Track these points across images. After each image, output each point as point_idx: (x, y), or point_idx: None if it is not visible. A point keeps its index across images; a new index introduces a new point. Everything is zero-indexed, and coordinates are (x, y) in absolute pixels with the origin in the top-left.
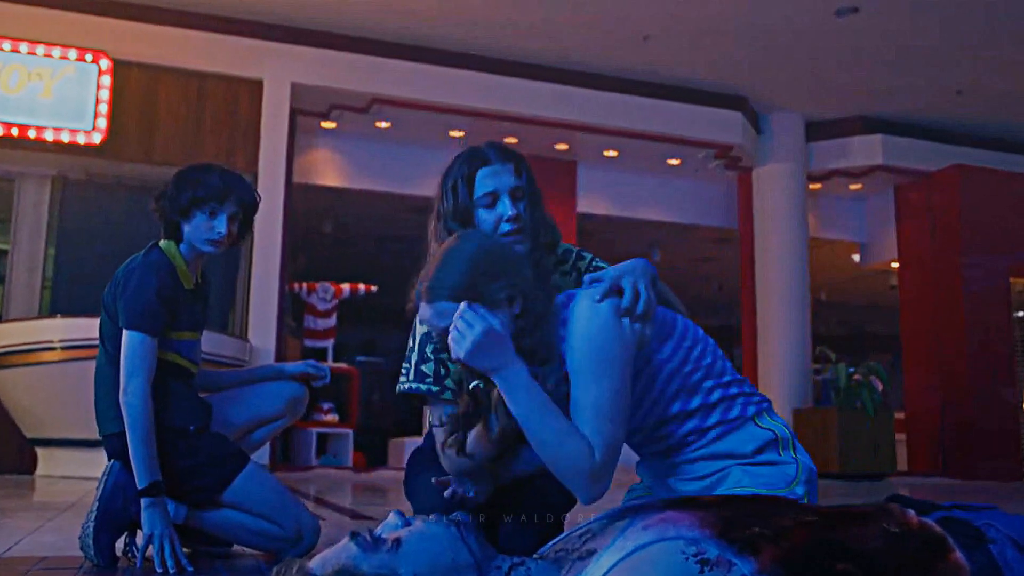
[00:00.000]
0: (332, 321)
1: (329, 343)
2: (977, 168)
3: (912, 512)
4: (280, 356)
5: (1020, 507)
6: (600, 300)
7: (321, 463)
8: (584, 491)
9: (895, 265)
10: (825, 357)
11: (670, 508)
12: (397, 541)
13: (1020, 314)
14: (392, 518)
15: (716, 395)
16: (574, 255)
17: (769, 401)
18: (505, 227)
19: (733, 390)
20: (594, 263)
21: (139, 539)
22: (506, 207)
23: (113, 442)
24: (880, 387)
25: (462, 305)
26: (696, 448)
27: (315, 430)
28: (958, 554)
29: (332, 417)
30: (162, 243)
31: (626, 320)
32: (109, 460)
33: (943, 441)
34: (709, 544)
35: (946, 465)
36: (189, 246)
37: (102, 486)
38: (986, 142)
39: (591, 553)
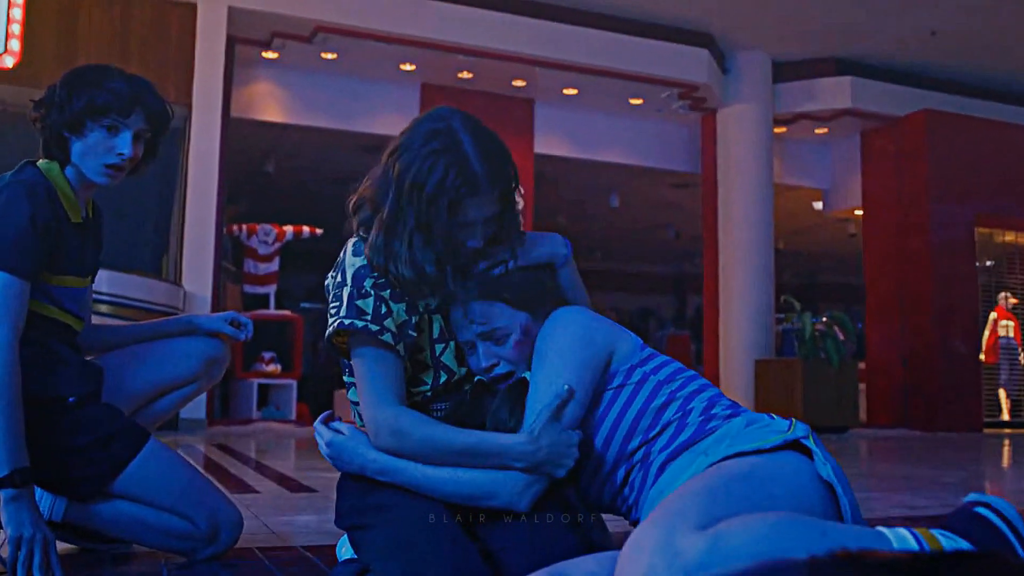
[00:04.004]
0: (274, 266)
1: (271, 289)
2: (946, 114)
3: None
4: (217, 303)
5: (983, 458)
6: None
7: (263, 416)
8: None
9: (858, 213)
10: (789, 306)
11: None
12: None
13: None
14: None
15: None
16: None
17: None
18: (468, 251)
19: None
20: None
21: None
22: (475, 237)
23: None
24: (842, 337)
25: (316, 425)
26: (677, 450)
27: (256, 381)
28: None
29: (274, 367)
30: (41, 162)
31: (595, 327)
32: None
33: (907, 393)
34: None
35: (908, 417)
36: (77, 172)
37: None
38: (957, 87)
39: None
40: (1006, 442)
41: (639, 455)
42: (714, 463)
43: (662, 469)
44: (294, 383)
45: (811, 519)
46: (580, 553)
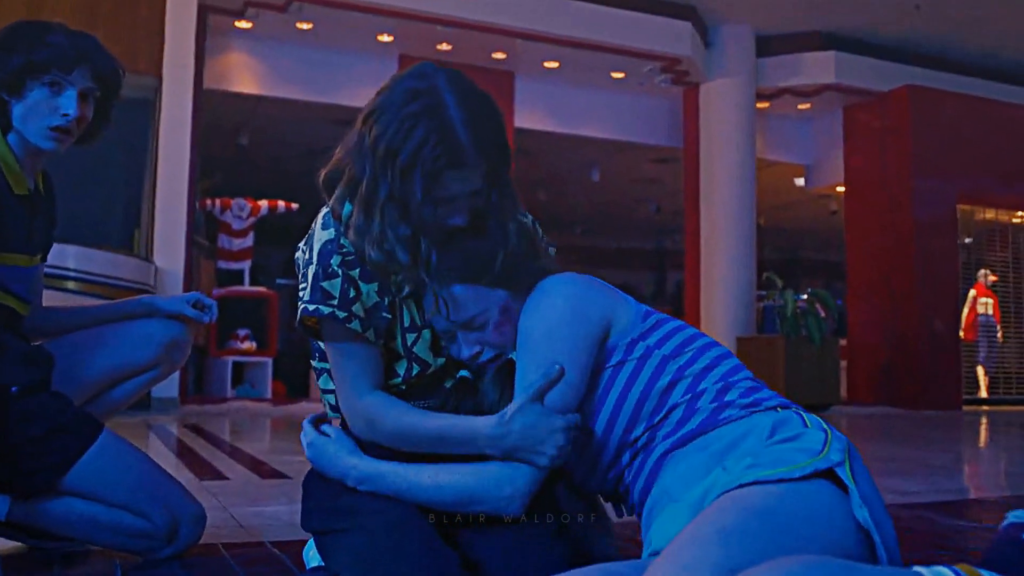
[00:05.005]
0: (248, 241)
1: (245, 265)
2: (930, 89)
3: None
4: (190, 279)
5: (965, 438)
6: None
7: (237, 394)
8: (504, 505)
9: (840, 189)
10: (771, 283)
11: None
12: None
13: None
14: None
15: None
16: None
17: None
18: (450, 228)
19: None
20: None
21: None
22: (460, 216)
23: None
24: (823, 315)
25: (304, 423)
26: (680, 440)
27: (231, 358)
28: None
29: (249, 344)
30: None
31: (588, 298)
32: None
33: (888, 370)
34: None
35: (888, 395)
36: (20, 139)
37: None
38: (941, 63)
39: None
40: (985, 420)
41: (643, 440)
42: (731, 490)
43: (664, 457)
44: (269, 361)
45: (843, 562)
46: (569, 563)
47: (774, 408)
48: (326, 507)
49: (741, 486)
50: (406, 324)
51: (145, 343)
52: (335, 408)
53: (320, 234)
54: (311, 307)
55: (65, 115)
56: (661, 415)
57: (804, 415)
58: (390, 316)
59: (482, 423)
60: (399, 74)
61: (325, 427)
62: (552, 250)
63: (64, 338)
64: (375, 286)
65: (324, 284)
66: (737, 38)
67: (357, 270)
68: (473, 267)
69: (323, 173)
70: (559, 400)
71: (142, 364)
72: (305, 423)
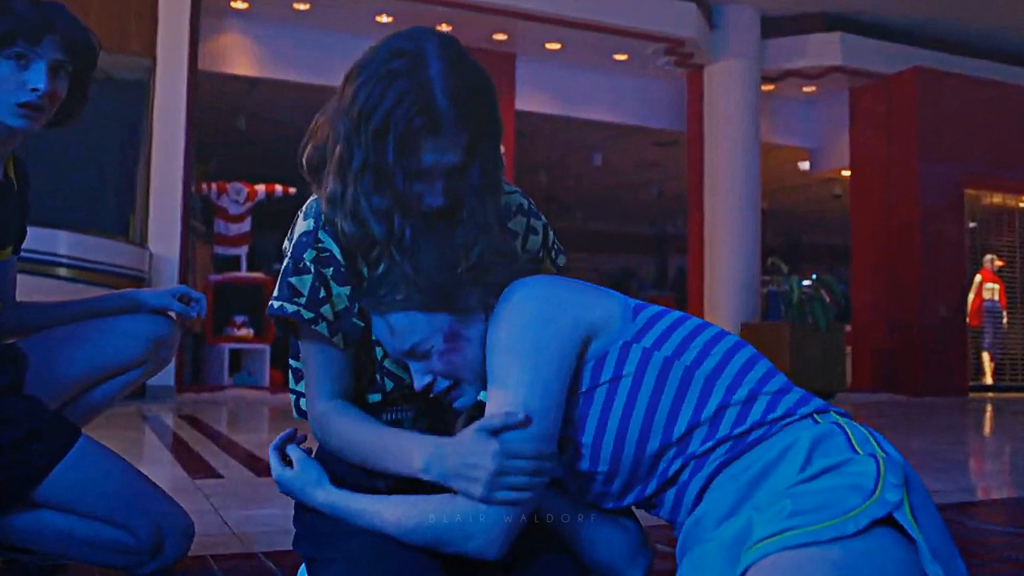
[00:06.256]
0: (246, 226)
1: (242, 250)
2: (936, 72)
3: None
4: (185, 265)
5: (975, 427)
6: None
7: (235, 382)
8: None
9: (845, 173)
10: (776, 269)
11: None
12: None
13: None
14: None
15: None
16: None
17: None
18: (426, 209)
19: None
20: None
21: None
22: (435, 195)
23: None
24: (828, 300)
25: (269, 452)
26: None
27: (228, 345)
28: None
29: (246, 331)
30: None
31: (557, 301)
32: None
33: (894, 357)
34: None
35: (892, 381)
36: None
37: None
38: (948, 44)
39: None
40: (992, 408)
41: (669, 467)
42: (772, 552)
43: (700, 498)
44: (267, 348)
45: None
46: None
47: (810, 416)
48: (312, 533)
49: (785, 548)
50: (374, 336)
51: (129, 341)
52: (301, 412)
53: (300, 225)
54: (276, 304)
55: (34, 90)
56: (677, 432)
57: (847, 426)
58: (362, 324)
59: (421, 444)
60: (391, 34)
61: (290, 449)
62: (562, 259)
63: (40, 336)
64: (347, 290)
65: (292, 280)
66: (742, 19)
67: (331, 269)
68: (386, 290)
69: (306, 150)
70: (534, 434)
71: (125, 363)
72: (271, 452)
